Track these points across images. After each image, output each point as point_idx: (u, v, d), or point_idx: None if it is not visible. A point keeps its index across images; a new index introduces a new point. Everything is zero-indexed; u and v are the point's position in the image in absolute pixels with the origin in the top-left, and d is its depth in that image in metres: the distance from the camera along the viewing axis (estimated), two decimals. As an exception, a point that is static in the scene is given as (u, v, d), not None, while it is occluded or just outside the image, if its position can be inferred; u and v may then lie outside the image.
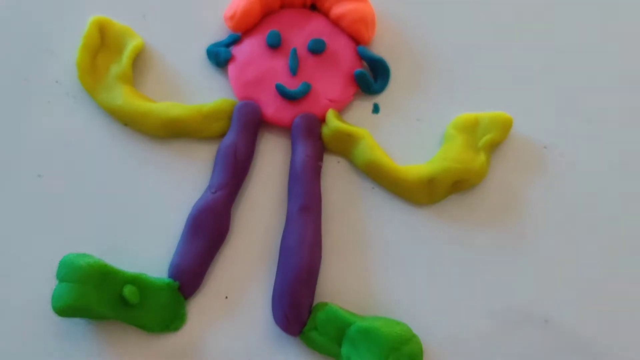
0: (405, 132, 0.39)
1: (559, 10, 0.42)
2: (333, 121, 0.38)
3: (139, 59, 0.41)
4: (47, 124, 0.40)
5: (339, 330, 0.35)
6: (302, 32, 0.40)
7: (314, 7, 0.40)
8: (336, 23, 0.40)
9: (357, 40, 0.40)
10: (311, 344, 0.36)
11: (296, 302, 0.35)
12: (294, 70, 0.39)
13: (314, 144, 0.38)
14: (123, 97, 0.39)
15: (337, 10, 0.39)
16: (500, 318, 0.37)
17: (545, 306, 0.37)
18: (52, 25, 0.42)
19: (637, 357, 0.37)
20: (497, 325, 0.37)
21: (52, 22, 0.42)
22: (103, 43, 0.40)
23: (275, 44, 0.39)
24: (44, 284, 0.36)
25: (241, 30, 0.40)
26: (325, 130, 0.38)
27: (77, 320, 0.37)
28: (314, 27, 0.40)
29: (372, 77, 0.40)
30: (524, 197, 0.38)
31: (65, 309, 0.34)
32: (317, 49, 0.39)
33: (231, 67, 0.40)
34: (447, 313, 0.37)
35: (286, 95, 0.38)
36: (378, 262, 0.38)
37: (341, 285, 0.38)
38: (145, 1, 0.42)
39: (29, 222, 0.39)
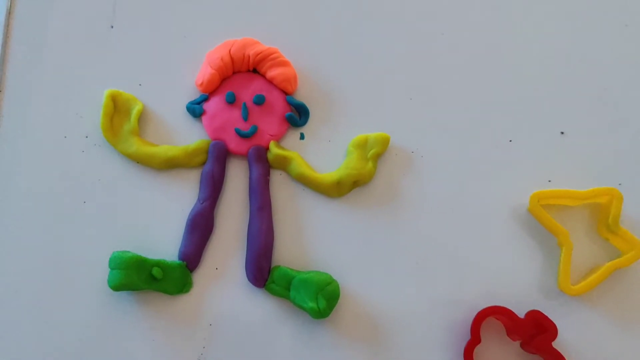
0: (321, 151, 0.49)
1: (420, 64, 0.50)
2: (274, 149, 0.48)
3: (142, 116, 0.49)
4: (84, 166, 0.49)
5: (288, 282, 0.45)
6: (249, 90, 0.49)
7: (255, 70, 0.50)
8: (271, 82, 0.49)
9: (285, 92, 0.49)
10: (271, 292, 0.46)
11: (260, 267, 0.46)
12: (245, 118, 0.49)
13: (263, 165, 0.48)
14: (135, 145, 0.49)
15: (270, 73, 0.49)
16: (386, 264, 0.47)
17: (415, 253, 0.48)
18: (77, 96, 0.50)
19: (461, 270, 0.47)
20: (384, 268, 0.47)
21: (77, 94, 0.50)
22: (116, 108, 0.49)
23: (231, 101, 0.49)
24: (101, 272, 0.47)
25: (208, 92, 0.49)
26: (270, 156, 0.48)
27: (124, 292, 0.47)
28: (256, 86, 0.49)
29: (298, 116, 0.49)
30: (399, 188, 0.48)
31: (117, 287, 0.45)
32: (259, 101, 0.49)
33: (204, 118, 0.49)
34: (354, 264, 0.47)
35: (242, 135, 0.48)
36: (309, 236, 0.48)
37: (287, 254, 0.48)
38: (140, 73, 0.50)
39: (83, 234, 0.48)
